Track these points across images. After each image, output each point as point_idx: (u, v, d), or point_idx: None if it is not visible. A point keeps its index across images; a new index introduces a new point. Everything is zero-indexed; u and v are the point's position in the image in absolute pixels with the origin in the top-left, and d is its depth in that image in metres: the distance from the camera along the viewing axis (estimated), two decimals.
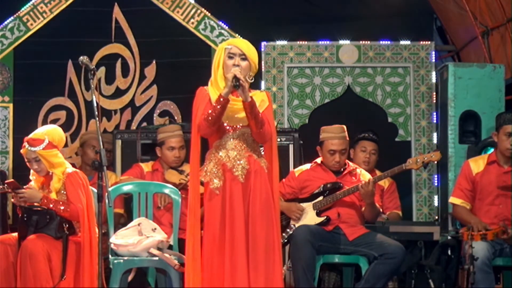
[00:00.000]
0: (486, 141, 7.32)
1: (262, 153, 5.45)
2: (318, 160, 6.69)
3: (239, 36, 8.32)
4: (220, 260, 5.20)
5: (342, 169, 6.63)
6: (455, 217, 6.73)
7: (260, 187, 5.28)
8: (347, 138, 6.60)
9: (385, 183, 7.27)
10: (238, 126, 5.33)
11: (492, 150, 6.86)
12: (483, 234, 6.10)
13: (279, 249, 5.29)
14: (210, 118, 5.23)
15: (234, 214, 5.23)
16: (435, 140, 8.32)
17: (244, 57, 5.32)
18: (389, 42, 8.49)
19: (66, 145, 7.96)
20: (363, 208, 6.54)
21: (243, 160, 5.30)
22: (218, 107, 5.20)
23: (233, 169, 5.29)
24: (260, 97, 5.34)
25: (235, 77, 5.16)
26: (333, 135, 6.56)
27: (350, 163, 6.73)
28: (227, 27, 8.40)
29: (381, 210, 6.80)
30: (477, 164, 6.56)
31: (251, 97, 5.22)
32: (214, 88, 5.34)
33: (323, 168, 6.63)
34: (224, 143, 5.34)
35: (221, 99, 5.20)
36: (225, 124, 5.33)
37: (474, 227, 6.11)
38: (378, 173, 7.24)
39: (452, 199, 6.60)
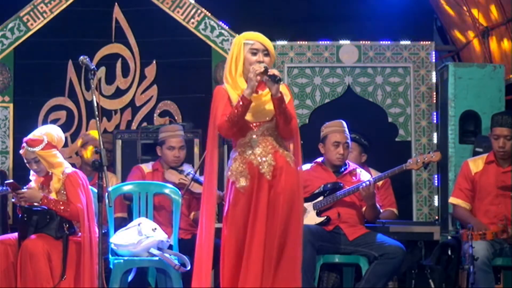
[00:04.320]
0: (481, 138, 7.35)
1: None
2: (319, 160, 6.69)
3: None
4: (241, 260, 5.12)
5: (342, 169, 6.64)
6: (455, 218, 6.74)
7: (285, 183, 5.16)
8: (348, 134, 6.63)
9: None
10: (261, 122, 5.22)
11: None
12: (482, 234, 6.10)
13: (299, 245, 5.19)
14: (232, 119, 5.10)
15: (257, 213, 5.12)
16: (435, 140, 8.32)
17: (266, 53, 5.23)
18: (389, 42, 8.49)
19: (66, 145, 7.96)
20: (363, 208, 6.54)
21: (269, 157, 5.17)
22: (240, 108, 5.08)
23: (259, 167, 5.17)
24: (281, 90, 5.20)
25: (274, 74, 5.04)
26: (336, 128, 6.59)
27: (351, 163, 6.74)
28: (227, 27, 8.40)
29: (381, 210, 6.80)
30: (476, 164, 6.57)
31: (280, 92, 5.12)
32: (233, 86, 5.22)
33: (324, 168, 6.64)
34: (249, 141, 5.20)
35: (244, 100, 5.08)
36: (248, 121, 5.19)
37: (475, 228, 6.11)
38: (373, 172, 7.23)
39: (452, 199, 6.61)
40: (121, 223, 6.90)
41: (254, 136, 5.20)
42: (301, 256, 5.23)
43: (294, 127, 5.22)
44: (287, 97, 5.20)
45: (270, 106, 5.19)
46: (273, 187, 5.16)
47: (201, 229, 5.24)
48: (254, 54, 5.22)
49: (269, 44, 5.27)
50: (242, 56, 5.22)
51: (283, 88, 5.20)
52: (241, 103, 5.08)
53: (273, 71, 5.09)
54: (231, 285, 5.11)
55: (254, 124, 5.21)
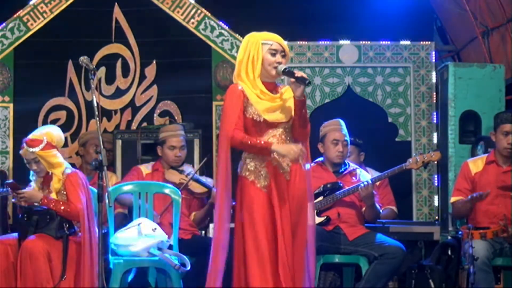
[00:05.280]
0: (482, 137, 7.35)
1: None
2: (319, 160, 6.69)
3: (239, 36, 8.32)
4: (264, 264, 5.11)
5: (342, 169, 6.63)
6: (455, 213, 6.71)
7: (299, 187, 5.22)
8: (347, 133, 6.63)
9: None
10: (279, 123, 5.24)
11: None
12: (482, 233, 6.11)
13: (305, 246, 5.23)
14: (245, 147, 5.18)
15: (282, 212, 5.15)
16: (435, 140, 8.32)
17: (284, 54, 5.25)
18: (389, 42, 8.49)
19: (66, 145, 7.97)
20: (363, 209, 6.54)
21: (287, 158, 5.23)
22: (258, 150, 5.16)
23: (278, 167, 5.22)
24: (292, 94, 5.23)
25: (303, 77, 5.06)
26: (335, 127, 6.61)
27: (351, 163, 6.74)
28: (227, 27, 8.40)
29: (381, 210, 6.80)
30: (476, 164, 6.58)
31: (304, 95, 5.15)
32: (250, 85, 5.22)
33: (324, 168, 6.64)
34: (267, 141, 5.23)
35: (266, 151, 5.15)
36: (267, 121, 5.22)
37: (479, 198, 6.14)
38: (372, 172, 7.23)
39: (452, 199, 6.62)
40: (122, 220, 6.90)
41: (273, 138, 5.23)
42: (310, 257, 5.26)
43: (308, 131, 5.29)
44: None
45: (288, 108, 5.23)
46: (289, 187, 5.21)
47: (218, 230, 5.24)
48: (273, 55, 5.23)
49: (285, 44, 5.29)
50: (261, 56, 5.22)
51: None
52: (262, 145, 5.14)
53: (301, 73, 5.11)
54: (254, 284, 5.10)
55: (271, 125, 5.23)
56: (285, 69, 5.19)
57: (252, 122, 5.25)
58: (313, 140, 6.78)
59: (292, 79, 5.12)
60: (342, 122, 6.65)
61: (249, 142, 5.16)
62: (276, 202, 5.16)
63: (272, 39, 5.26)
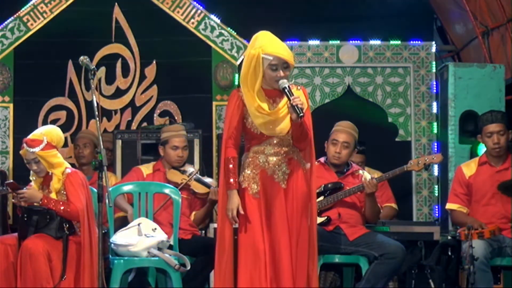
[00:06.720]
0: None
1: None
2: (322, 159, 6.67)
3: (239, 36, 8.32)
4: (258, 265, 5.11)
5: (344, 170, 6.62)
6: (454, 222, 6.74)
7: (301, 189, 5.21)
8: (355, 136, 6.58)
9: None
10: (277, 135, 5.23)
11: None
12: (480, 233, 6.12)
13: (307, 246, 5.24)
14: (222, 164, 5.20)
15: (276, 220, 5.15)
16: (435, 140, 8.33)
17: (286, 65, 5.18)
18: (389, 42, 8.49)
19: (66, 145, 7.96)
20: (364, 209, 6.53)
21: (283, 165, 5.21)
22: (224, 177, 5.19)
23: (274, 175, 5.20)
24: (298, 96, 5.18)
25: (297, 106, 5.02)
26: (340, 128, 6.58)
27: (354, 164, 6.72)
28: (227, 27, 8.40)
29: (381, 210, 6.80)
30: (469, 167, 6.59)
31: (300, 118, 5.08)
32: (250, 97, 5.17)
33: (326, 168, 6.62)
34: (263, 149, 5.23)
35: (227, 187, 5.18)
36: (263, 134, 5.21)
37: (473, 227, 6.13)
38: (370, 171, 7.22)
39: (448, 205, 6.61)
40: (122, 223, 6.89)
41: (269, 145, 5.23)
42: (311, 257, 5.29)
43: (308, 140, 5.24)
44: (304, 106, 5.15)
45: (286, 121, 5.19)
46: (288, 193, 5.20)
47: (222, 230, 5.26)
48: (274, 70, 5.16)
49: (287, 55, 5.19)
50: (261, 70, 5.14)
51: (301, 94, 5.22)
52: (228, 184, 5.17)
53: (296, 101, 5.04)
54: (249, 286, 5.11)
55: (270, 135, 5.23)
56: (285, 88, 5.13)
57: (250, 131, 5.26)
58: (319, 139, 6.80)
59: (289, 103, 5.09)
60: (351, 125, 6.59)
61: (230, 166, 5.17)
62: (264, 210, 5.15)
63: (272, 52, 5.13)
